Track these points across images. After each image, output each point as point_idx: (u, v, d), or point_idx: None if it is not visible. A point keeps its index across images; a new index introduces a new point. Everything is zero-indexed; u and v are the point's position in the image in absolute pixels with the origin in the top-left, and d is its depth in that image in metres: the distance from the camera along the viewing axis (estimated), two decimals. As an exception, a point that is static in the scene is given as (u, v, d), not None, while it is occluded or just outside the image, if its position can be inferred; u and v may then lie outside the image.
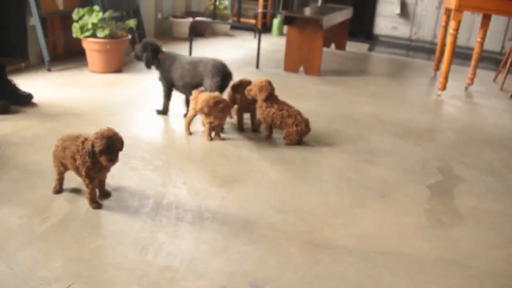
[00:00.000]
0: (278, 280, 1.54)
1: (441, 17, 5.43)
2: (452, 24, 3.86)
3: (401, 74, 5.02)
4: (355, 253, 1.72)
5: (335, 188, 2.22)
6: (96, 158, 1.77)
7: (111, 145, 1.76)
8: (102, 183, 1.94)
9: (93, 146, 1.75)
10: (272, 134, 2.78)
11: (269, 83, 2.67)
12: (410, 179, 2.38)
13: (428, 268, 1.68)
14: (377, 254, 1.73)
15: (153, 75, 3.91)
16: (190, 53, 4.71)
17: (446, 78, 4.01)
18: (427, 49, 6.84)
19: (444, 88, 4.06)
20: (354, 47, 6.30)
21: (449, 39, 3.90)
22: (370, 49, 6.35)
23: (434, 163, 2.63)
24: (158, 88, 3.37)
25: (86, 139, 1.82)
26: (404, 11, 7.06)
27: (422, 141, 2.96)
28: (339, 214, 1.98)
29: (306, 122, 2.69)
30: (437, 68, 4.97)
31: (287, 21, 4.39)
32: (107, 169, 1.88)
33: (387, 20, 7.20)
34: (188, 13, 6.19)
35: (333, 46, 6.01)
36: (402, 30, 7.16)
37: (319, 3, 7.09)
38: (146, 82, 3.63)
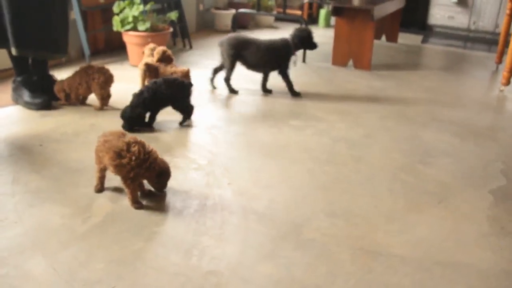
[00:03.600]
0: (328, 288, 1.46)
1: (505, 4, 5.11)
2: (518, 12, 3.61)
3: (458, 68, 4.77)
4: (410, 262, 1.62)
5: (388, 191, 2.10)
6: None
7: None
8: (141, 183, 1.90)
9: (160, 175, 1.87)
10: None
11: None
12: (470, 183, 2.23)
13: (493, 281, 1.56)
14: (434, 263, 1.62)
15: (192, 68, 3.89)
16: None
17: (510, 72, 3.75)
18: (487, 40, 6.48)
19: (508, 83, 3.80)
20: (406, 38, 6.07)
21: (514, 29, 3.65)
22: (424, 41, 6.10)
23: (497, 166, 2.45)
24: (194, 83, 3.36)
25: (137, 142, 1.82)
26: (462, -1, 6.73)
27: (483, 141, 2.78)
28: (392, 219, 1.88)
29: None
30: (500, 61, 4.68)
31: (335, 11, 4.25)
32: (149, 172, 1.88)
33: (442, 9, 6.86)
34: (231, 4, 6.12)
35: (383, 38, 5.81)
36: (459, 19, 6.80)
37: (370, -7, 6.86)
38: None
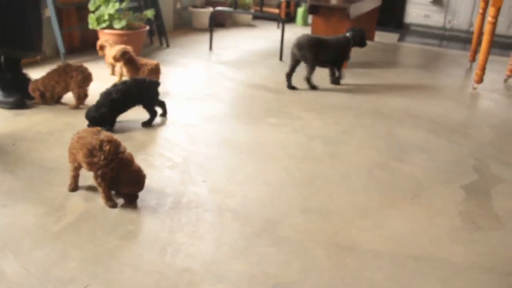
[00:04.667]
0: (302, 284, 1.48)
1: (479, 4, 5.19)
2: (491, 11, 3.67)
3: (433, 66, 4.84)
4: (384, 257, 1.64)
5: (363, 187, 2.13)
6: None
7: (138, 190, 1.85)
8: None
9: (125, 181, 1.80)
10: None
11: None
12: (443, 179, 2.27)
13: (463, 274, 1.59)
14: (408, 258, 1.65)
15: (169, 67, 3.87)
16: (211, 45, 4.63)
17: (483, 70, 3.82)
18: (462, 39, 6.58)
19: (480, 80, 3.87)
20: (383, 37, 6.12)
21: (487, 28, 3.71)
22: (400, 39, 6.16)
23: (470, 162, 2.50)
24: (172, 81, 3.43)
25: (110, 140, 1.79)
26: (438, -2, 6.81)
27: (456, 138, 2.83)
28: (367, 215, 1.90)
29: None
30: (473, 59, 4.75)
31: (312, 10, 4.26)
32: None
33: (419, 8, 6.94)
34: (208, 3, 6.09)
35: (361, 36, 5.85)
36: (435, 18, 6.89)
37: (347, -9, 6.90)
38: (164, 75, 3.55)
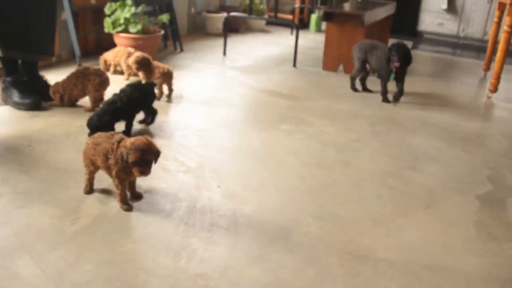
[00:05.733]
0: (315, 292, 1.47)
1: (494, 12, 5.17)
2: (506, 20, 3.66)
3: (447, 74, 4.82)
4: (397, 266, 1.63)
5: (376, 196, 2.12)
6: (127, 166, 1.75)
7: (144, 158, 1.73)
8: (132, 185, 1.90)
9: (127, 155, 1.72)
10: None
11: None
12: (457, 188, 2.25)
13: (478, 285, 1.57)
14: (421, 268, 1.64)
15: (183, 71, 3.89)
16: (224, 51, 4.65)
17: (498, 79, 3.79)
18: (476, 47, 6.55)
19: (495, 89, 3.85)
20: (396, 45, 6.10)
21: (502, 37, 3.69)
22: (413, 47, 6.14)
23: (484, 172, 2.48)
24: (185, 86, 3.39)
25: (122, 139, 1.79)
26: (452, 6, 6.77)
27: (470, 147, 2.81)
28: (380, 224, 1.89)
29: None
30: (488, 68, 4.73)
31: (326, 17, 4.27)
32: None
33: (432, 16, 6.92)
34: (223, 8, 6.13)
35: (374, 43, 5.84)
36: (449, 26, 6.87)
37: (361, -2, 6.91)
38: (177, 80, 3.58)
